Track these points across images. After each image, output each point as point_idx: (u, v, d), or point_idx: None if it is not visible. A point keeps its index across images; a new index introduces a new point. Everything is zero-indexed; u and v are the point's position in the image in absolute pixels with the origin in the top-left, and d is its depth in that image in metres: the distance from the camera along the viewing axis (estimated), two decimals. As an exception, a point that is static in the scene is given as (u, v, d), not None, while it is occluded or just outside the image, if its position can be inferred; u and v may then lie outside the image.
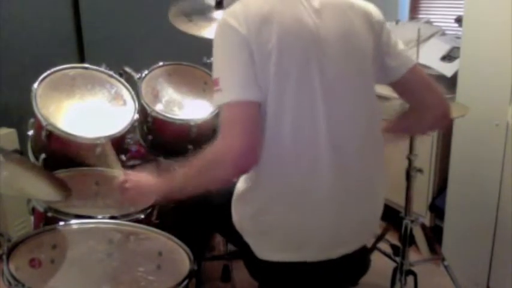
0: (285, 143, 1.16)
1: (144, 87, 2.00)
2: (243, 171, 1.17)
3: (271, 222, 1.22)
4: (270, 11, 1.14)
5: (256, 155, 1.13)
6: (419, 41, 1.97)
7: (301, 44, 1.15)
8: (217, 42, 1.16)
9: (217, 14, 2.20)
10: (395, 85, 1.34)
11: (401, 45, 1.33)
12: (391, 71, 1.30)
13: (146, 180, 1.32)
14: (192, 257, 1.29)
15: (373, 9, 1.28)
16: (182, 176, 1.20)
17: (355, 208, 1.24)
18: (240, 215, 1.29)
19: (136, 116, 1.87)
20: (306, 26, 1.16)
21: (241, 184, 1.28)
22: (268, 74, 1.12)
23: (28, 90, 1.72)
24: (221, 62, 1.15)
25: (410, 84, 1.32)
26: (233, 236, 1.30)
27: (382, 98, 1.31)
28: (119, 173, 1.42)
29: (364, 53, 1.22)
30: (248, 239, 1.27)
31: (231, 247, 2.07)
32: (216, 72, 1.14)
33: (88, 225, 1.41)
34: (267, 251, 1.25)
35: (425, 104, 1.34)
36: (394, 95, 1.39)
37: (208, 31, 2.12)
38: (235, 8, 1.16)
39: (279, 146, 1.16)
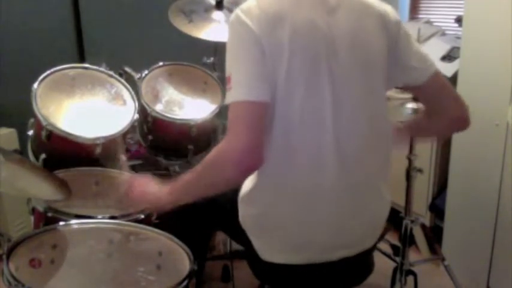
0: (292, 144, 1.15)
1: (144, 87, 2.00)
2: (247, 171, 1.13)
3: (274, 223, 1.22)
4: (283, 10, 1.13)
5: (260, 155, 1.10)
6: (419, 41, 1.97)
7: (312, 44, 1.13)
8: (229, 38, 1.15)
9: (217, 14, 2.20)
10: (415, 90, 1.33)
11: (422, 50, 1.30)
12: (412, 76, 1.28)
13: (152, 187, 1.29)
14: (192, 257, 1.28)
15: (390, 11, 1.25)
16: (186, 182, 1.17)
17: (356, 210, 1.23)
18: (244, 215, 1.29)
19: (136, 116, 1.87)
20: (317, 26, 1.14)
21: (246, 184, 1.28)
22: (278, 74, 1.11)
23: (28, 90, 1.72)
24: (232, 59, 1.13)
25: (431, 90, 1.30)
26: (239, 235, 1.30)
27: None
28: (122, 174, 1.40)
29: (374, 54, 1.20)
30: (252, 238, 1.27)
31: (231, 247, 2.06)
32: (227, 70, 1.13)
33: (88, 225, 1.41)
34: (269, 252, 1.25)
35: (444, 109, 1.32)
36: (394, 95, 1.39)
37: (208, 31, 2.13)
38: (249, 4, 1.15)
39: (286, 146, 1.16)
